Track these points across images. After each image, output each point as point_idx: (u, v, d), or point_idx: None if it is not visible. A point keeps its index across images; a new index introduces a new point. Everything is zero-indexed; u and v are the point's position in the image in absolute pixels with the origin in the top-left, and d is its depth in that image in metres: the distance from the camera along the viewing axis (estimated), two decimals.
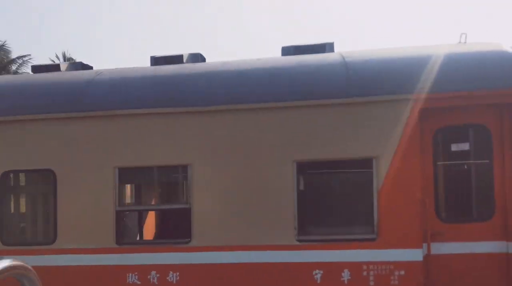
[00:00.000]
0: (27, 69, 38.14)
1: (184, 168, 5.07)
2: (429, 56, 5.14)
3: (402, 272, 4.86)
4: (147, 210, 5.89)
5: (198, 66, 5.54)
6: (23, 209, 5.70)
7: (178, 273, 4.90)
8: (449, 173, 5.22)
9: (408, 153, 4.86)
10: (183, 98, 5.08)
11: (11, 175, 5.50)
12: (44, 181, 5.46)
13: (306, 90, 5.04)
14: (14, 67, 38.37)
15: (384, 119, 4.92)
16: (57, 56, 41.16)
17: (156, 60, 5.79)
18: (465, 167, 5.24)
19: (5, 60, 38.57)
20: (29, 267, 1.85)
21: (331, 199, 5.28)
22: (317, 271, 4.89)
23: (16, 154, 5.18)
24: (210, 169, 5.01)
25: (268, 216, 4.96)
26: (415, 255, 4.86)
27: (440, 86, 4.92)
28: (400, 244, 4.88)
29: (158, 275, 4.91)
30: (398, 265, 4.87)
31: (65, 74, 5.88)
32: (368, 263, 4.89)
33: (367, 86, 4.98)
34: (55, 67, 6.25)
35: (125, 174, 5.12)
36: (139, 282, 4.92)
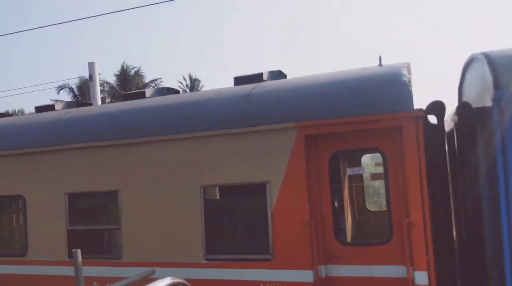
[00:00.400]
0: None
1: (115, 193, 5.98)
2: (321, 84, 5.31)
3: None
4: (90, 230, 6.90)
5: (129, 104, 6.43)
6: None
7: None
8: (343, 196, 5.28)
9: (295, 177, 5.11)
10: (109, 134, 6.01)
11: None
12: None
13: (210, 121, 5.58)
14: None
15: (274, 147, 5.24)
16: (184, 78, 45.70)
17: (237, 80, 6.27)
18: (362, 188, 5.24)
19: (140, 84, 43.81)
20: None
21: (234, 221, 5.71)
22: None
23: None
24: (133, 194, 5.84)
25: (181, 236, 5.61)
26: (305, 276, 5.06)
27: (326, 113, 5.07)
28: (292, 265, 5.12)
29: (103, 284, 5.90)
30: (290, 285, 5.11)
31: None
32: (264, 282, 5.23)
33: (260, 117, 5.34)
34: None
35: (75, 199, 6.22)
36: None
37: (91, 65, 18.93)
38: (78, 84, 41.20)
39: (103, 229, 6.51)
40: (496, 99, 4.57)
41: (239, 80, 6.26)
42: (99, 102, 19.14)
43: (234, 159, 5.41)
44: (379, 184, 5.40)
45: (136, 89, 42.69)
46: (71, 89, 40.70)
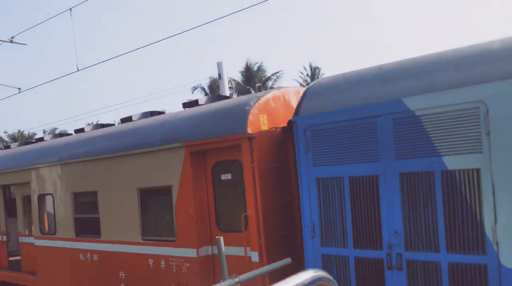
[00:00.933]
0: (280, 84, 45.85)
1: (95, 193, 8.66)
2: (201, 113, 7.12)
3: (188, 265, 7.06)
4: (86, 217, 9.51)
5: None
6: None
7: (95, 255, 8.54)
8: (222, 196, 7.01)
9: (185, 182, 7.06)
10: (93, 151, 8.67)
11: None
12: None
13: (141, 142, 7.79)
14: (270, 83, 46.68)
15: (174, 160, 7.22)
16: (304, 68, 47.59)
17: (184, 105, 8.45)
18: (230, 190, 6.91)
19: (263, 79, 47.21)
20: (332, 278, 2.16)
21: (157, 213, 7.84)
22: (150, 260, 7.62)
23: None
24: (105, 194, 8.42)
25: (129, 223, 8.00)
26: (192, 253, 6.99)
27: (204, 135, 6.89)
28: (186, 245, 7.09)
29: (88, 254, 8.70)
30: (185, 259, 7.11)
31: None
32: (172, 257, 7.30)
33: (164, 139, 7.36)
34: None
35: (79, 197, 9.08)
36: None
37: (219, 65, 20.76)
38: (209, 83, 46.09)
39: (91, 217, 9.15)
40: (293, 122, 5.88)
41: (185, 105, 8.32)
42: None
43: (154, 169, 7.56)
44: None
45: (259, 83, 46.03)
46: (203, 89, 45.78)
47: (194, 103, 7.99)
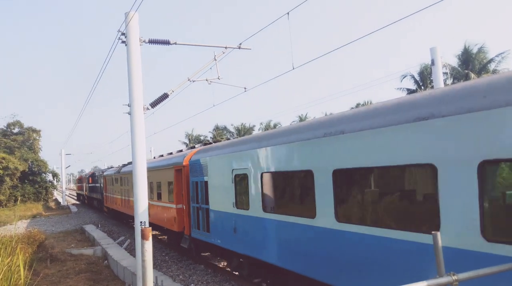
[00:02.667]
0: (506, 66, 40.62)
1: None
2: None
3: None
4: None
5: None
6: None
7: None
8: None
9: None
10: None
11: None
12: None
13: None
14: (492, 66, 41.73)
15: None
16: None
17: None
18: None
19: (484, 61, 42.47)
20: None
21: None
22: None
23: None
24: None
25: None
26: None
27: None
28: None
29: None
30: None
31: None
32: None
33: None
34: None
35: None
36: None
37: (433, 50, 20.17)
38: (419, 70, 43.63)
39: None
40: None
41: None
42: (442, 84, 20.19)
43: None
44: None
45: (479, 67, 41.24)
46: (412, 77, 43.61)
47: None
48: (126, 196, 25.37)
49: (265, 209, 9.57)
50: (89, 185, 45.57)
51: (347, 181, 7.18)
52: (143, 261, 5.21)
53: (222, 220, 11.68)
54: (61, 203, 54.79)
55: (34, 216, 38.90)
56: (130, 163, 24.04)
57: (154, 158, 25.31)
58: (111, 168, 37.24)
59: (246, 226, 10.35)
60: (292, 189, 8.89)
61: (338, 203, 7.29)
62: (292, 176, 8.62)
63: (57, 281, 13.96)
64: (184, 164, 13.88)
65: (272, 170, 9.22)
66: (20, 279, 10.43)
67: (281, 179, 9.07)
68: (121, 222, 29.74)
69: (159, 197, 17.75)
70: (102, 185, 36.21)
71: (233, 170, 10.91)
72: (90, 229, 25.67)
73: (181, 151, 18.69)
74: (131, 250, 17.84)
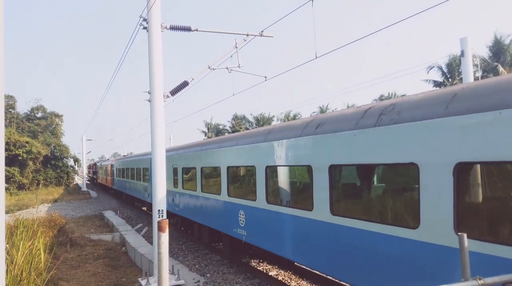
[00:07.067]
0: None
1: None
2: None
3: None
4: None
5: None
6: None
7: None
8: None
9: None
10: None
11: None
12: None
13: None
14: None
15: None
16: None
17: None
18: None
19: None
20: None
21: None
22: None
23: None
24: None
25: None
26: None
27: None
28: None
29: None
30: None
31: None
32: None
33: None
34: None
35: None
36: None
37: (463, 41, 19.03)
38: (447, 62, 42.46)
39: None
40: None
41: None
42: (471, 77, 19.39)
43: None
44: None
45: (511, 59, 39.86)
46: (440, 68, 42.45)
47: None
48: (104, 176, 50.06)
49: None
50: (93, 170, 73.84)
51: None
52: (159, 253, 5.04)
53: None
54: (81, 188, 55.62)
55: (55, 200, 39.55)
56: (124, 156, 40.52)
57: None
58: (120, 157, 53.00)
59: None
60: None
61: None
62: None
63: (76, 265, 14.05)
64: None
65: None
66: (41, 262, 10.49)
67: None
68: (139, 210, 30.06)
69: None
70: (97, 170, 63.91)
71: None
72: (109, 215, 25.93)
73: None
74: (149, 238, 17.89)
